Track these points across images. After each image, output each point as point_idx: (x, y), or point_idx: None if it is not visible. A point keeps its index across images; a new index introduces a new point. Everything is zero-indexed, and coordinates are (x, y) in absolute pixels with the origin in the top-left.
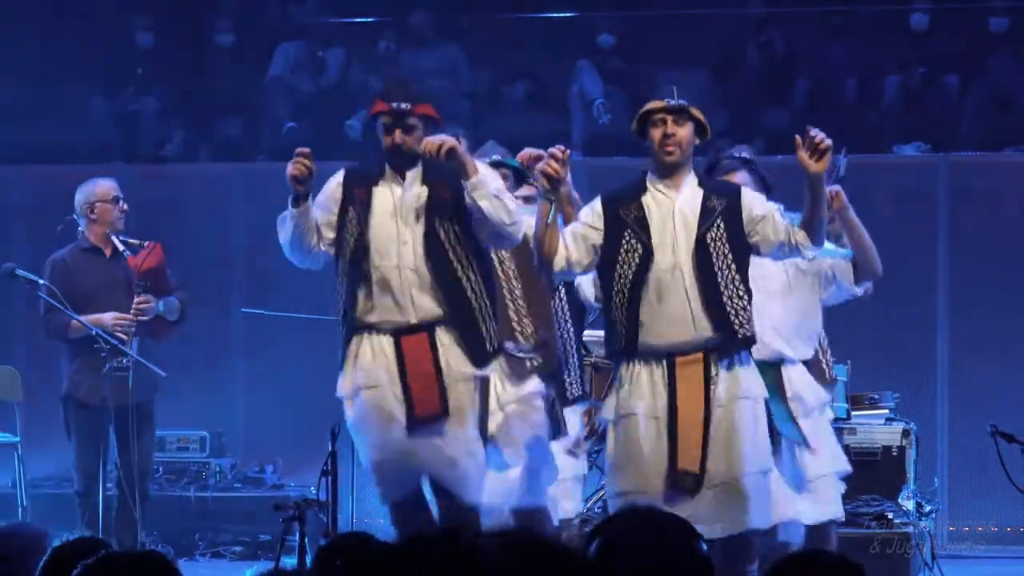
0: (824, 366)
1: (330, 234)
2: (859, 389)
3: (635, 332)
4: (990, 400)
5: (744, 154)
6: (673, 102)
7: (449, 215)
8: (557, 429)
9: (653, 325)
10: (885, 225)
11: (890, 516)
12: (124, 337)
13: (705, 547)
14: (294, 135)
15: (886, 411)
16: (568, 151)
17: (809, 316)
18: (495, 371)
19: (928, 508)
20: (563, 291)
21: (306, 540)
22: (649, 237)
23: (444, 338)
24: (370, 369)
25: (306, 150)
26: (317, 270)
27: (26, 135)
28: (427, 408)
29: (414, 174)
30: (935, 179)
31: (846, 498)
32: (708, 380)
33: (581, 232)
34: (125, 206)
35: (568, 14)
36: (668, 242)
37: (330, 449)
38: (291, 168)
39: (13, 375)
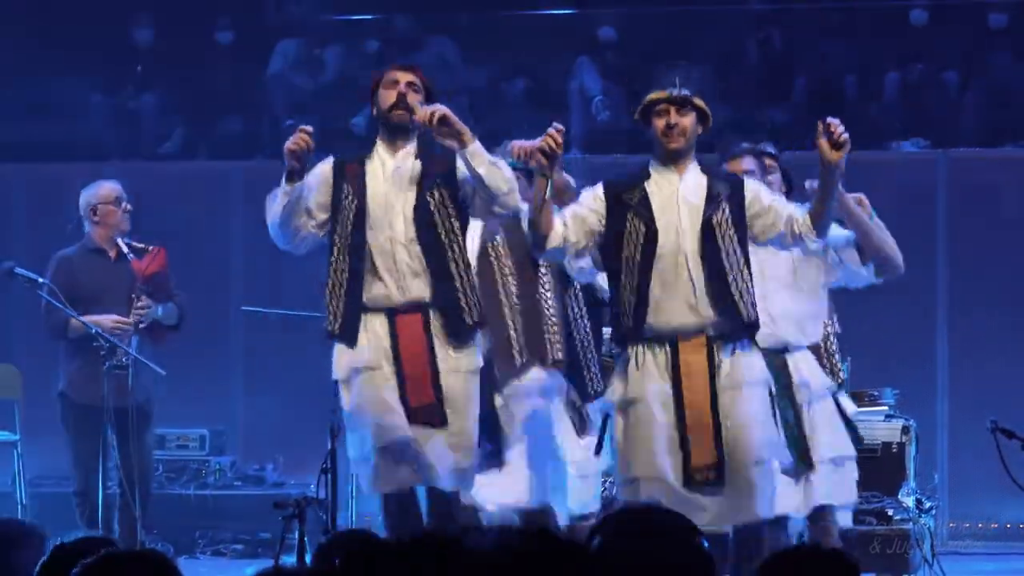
0: (827, 362)
1: (322, 215)
2: (859, 386)
3: (641, 315)
4: (990, 396)
5: (769, 149)
6: (676, 92)
7: (441, 189)
8: (582, 427)
9: (658, 308)
10: (884, 221)
11: (890, 513)
12: (123, 338)
13: (707, 543)
14: (293, 133)
15: (886, 408)
16: (562, 128)
17: (816, 300)
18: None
19: (928, 505)
20: (578, 286)
21: (306, 538)
22: (652, 218)
23: (435, 320)
24: (366, 351)
25: (309, 128)
26: (301, 255)
27: (25, 133)
28: (422, 397)
29: (408, 148)
30: (934, 175)
31: None
32: (712, 367)
33: (581, 214)
34: (129, 207)
35: (568, 11)
36: (672, 225)
37: (329, 447)
38: (290, 142)
39: (13, 373)
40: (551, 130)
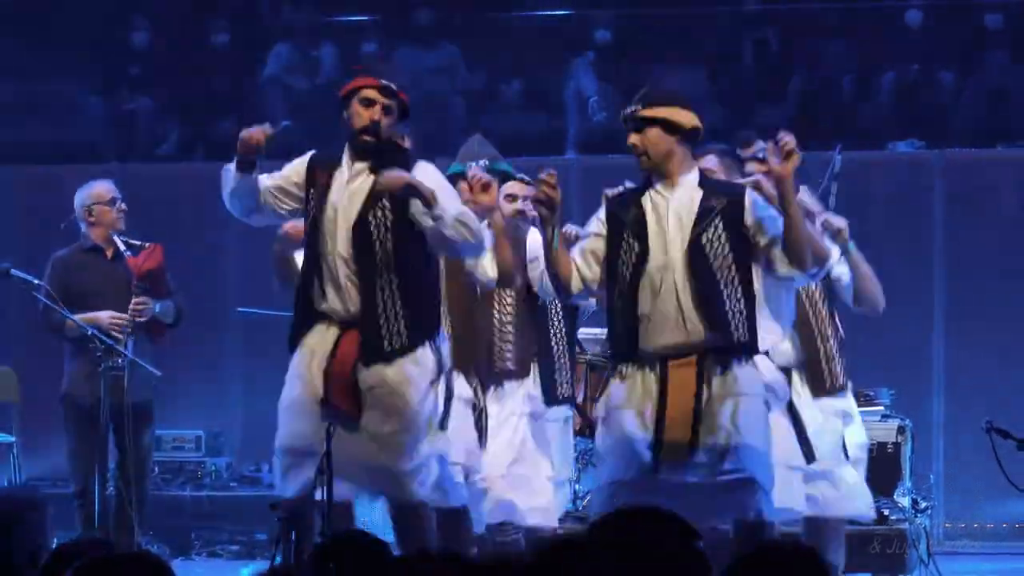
0: (826, 374)
1: (286, 205)
2: (855, 386)
3: (633, 334)
4: (985, 396)
5: (760, 155)
6: (628, 110)
7: (386, 209)
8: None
9: (649, 327)
10: (880, 222)
11: (886, 513)
12: (119, 337)
13: (702, 545)
14: (289, 134)
15: (882, 408)
16: (555, 173)
17: (769, 302)
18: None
19: (924, 505)
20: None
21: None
22: (646, 235)
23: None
24: (307, 356)
25: (270, 130)
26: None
27: (21, 134)
28: (340, 403)
29: (366, 164)
30: (930, 176)
31: None
32: (700, 382)
33: (589, 247)
34: (123, 206)
35: (564, 12)
36: (661, 242)
37: (325, 448)
38: (248, 133)
39: (9, 375)
40: (543, 176)
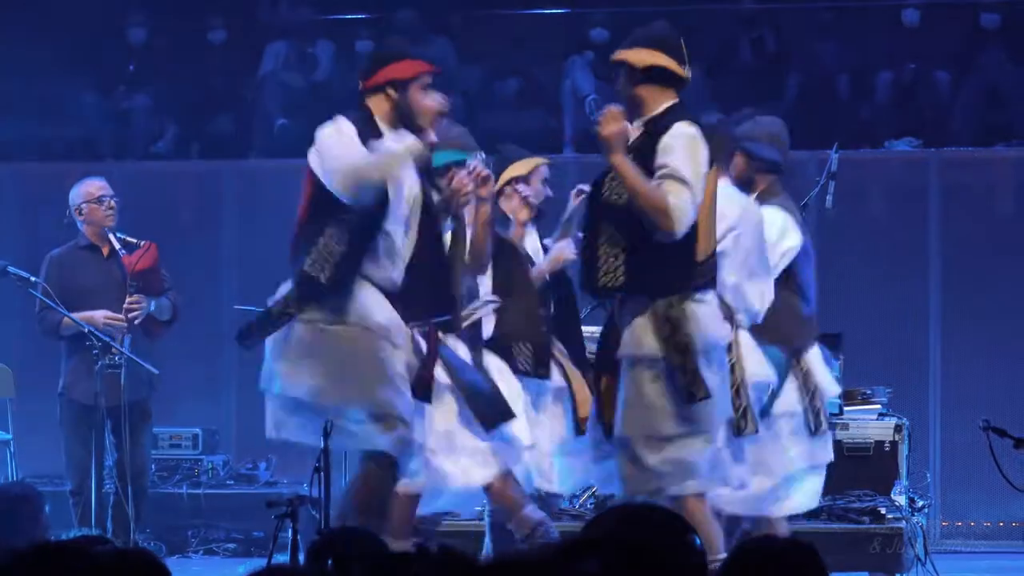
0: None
1: None
2: (851, 384)
3: (584, 276)
4: (982, 395)
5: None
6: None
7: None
8: None
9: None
10: (877, 221)
11: (883, 511)
12: (115, 335)
13: (699, 542)
14: (286, 132)
15: (878, 406)
16: (612, 108)
17: None
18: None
19: (920, 503)
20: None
21: (298, 537)
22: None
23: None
24: (388, 320)
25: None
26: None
27: (17, 132)
28: (424, 374)
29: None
30: (926, 175)
31: (837, 493)
32: (620, 329)
33: None
34: (114, 203)
35: (560, 11)
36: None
37: (322, 446)
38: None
39: (6, 372)
40: (606, 112)
